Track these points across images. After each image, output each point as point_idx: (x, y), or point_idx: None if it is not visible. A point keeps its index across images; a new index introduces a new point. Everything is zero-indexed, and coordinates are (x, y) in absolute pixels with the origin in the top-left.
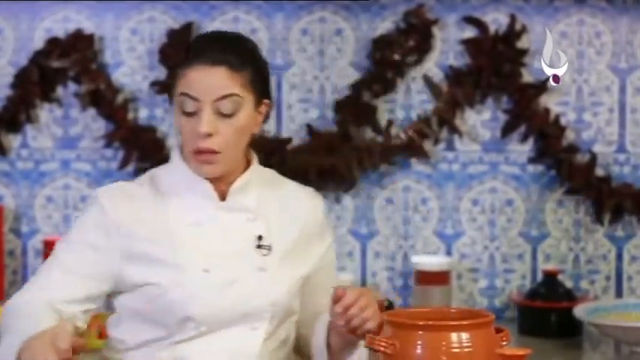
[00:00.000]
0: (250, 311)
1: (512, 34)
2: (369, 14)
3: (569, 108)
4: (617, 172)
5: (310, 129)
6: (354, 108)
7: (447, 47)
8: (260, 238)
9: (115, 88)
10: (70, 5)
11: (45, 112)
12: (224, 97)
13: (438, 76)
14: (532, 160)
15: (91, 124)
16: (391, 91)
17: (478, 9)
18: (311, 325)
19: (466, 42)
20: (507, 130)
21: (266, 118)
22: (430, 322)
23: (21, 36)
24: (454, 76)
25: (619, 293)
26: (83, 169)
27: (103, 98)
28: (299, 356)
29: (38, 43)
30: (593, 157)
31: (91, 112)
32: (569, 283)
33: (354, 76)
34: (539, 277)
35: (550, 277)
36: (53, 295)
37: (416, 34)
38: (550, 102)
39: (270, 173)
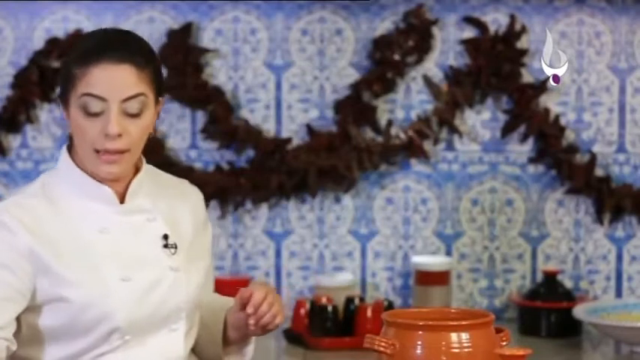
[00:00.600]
0: (170, 313)
1: (512, 34)
2: (369, 14)
3: (569, 108)
4: (617, 172)
5: (310, 129)
6: (354, 108)
7: (447, 47)
8: (166, 237)
9: None
10: (69, 5)
11: (45, 112)
12: (132, 97)
13: (437, 76)
14: (532, 160)
15: None
16: (391, 91)
17: (478, 9)
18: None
19: (466, 42)
20: (507, 130)
21: (158, 116)
22: (430, 322)
23: (20, 36)
24: (454, 76)
25: (619, 293)
26: None
27: None
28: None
29: (38, 43)
30: (593, 157)
31: None
32: (568, 284)
33: (354, 76)
34: (539, 277)
35: (550, 278)
36: None
37: (416, 34)
38: (550, 102)
39: (151, 169)
